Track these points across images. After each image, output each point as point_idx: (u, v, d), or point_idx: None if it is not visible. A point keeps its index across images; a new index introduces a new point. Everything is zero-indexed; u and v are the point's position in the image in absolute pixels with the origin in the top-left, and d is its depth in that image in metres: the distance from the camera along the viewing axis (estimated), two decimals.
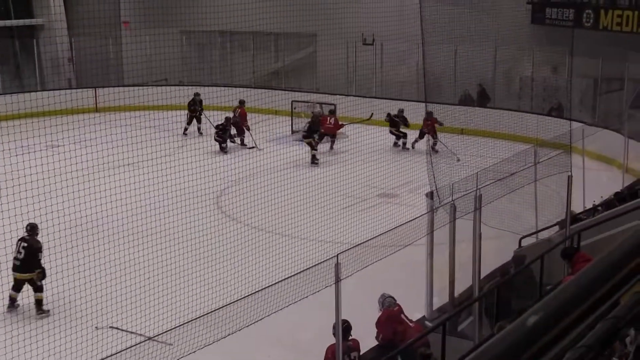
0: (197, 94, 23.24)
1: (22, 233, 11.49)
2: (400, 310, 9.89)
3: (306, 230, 14.04)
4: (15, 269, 11.33)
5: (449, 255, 11.09)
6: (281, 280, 8.22)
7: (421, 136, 20.88)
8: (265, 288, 8.29)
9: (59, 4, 28.00)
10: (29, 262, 11.23)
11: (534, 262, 10.53)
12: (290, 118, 23.74)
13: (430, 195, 11.17)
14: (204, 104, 23.41)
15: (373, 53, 25.91)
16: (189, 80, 28.47)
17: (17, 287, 11.40)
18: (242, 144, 21.69)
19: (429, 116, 19.70)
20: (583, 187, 14.64)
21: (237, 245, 13.38)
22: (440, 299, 11.37)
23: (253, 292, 8.58)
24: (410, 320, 9.97)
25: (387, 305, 9.88)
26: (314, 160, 19.63)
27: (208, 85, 25.94)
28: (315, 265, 8.09)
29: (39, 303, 11.35)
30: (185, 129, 23.02)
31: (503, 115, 21.20)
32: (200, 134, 22.90)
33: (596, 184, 15.56)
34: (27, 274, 11.28)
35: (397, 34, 22.21)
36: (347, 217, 15.02)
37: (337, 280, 7.67)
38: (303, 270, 8.18)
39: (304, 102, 23.85)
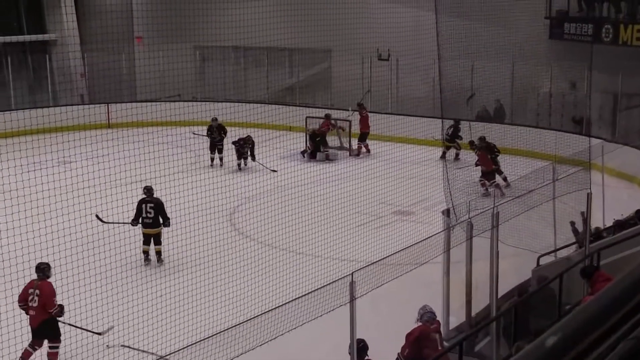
0: (214, 119, 21.46)
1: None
2: (438, 329, 9.72)
3: (320, 247, 14.02)
4: (145, 226, 13.74)
5: (465, 274, 11.03)
6: (295, 299, 8.20)
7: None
8: (278, 307, 8.27)
9: (72, 19, 28.20)
10: (157, 219, 13.73)
11: (553, 281, 10.45)
12: (304, 134, 23.77)
13: (446, 212, 11.12)
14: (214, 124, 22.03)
15: (389, 68, 25.94)
16: (202, 96, 28.58)
17: (147, 240, 13.79)
18: (327, 157, 22.47)
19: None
20: (603, 205, 14.55)
21: (250, 263, 13.37)
22: (457, 318, 11.30)
23: (266, 310, 8.56)
24: (442, 342, 9.80)
25: (425, 319, 9.57)
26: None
27: (221, 101, 26.03)
28: (329, 283, 8.07)
29: (159, 253, 13.80)
30: (212, 160, 21.51)
31: (521, 131, 21.15)
32: (222, 165, 21.62)
33: (616, 202, 15.47)
34: (155, 229, 13.74)
35: (412, 49, 22.25)
36: (361, 235, 14.98)
37: (352, 299, 7.64)
38: (317, 289, 8.16)
39: (319, 117, 23.85)
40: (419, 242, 9.82)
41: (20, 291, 10.53)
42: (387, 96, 26.19)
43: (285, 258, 13.78)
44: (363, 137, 23.37)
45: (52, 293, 10.34)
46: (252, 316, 8.72)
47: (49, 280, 10.51)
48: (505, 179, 18.21)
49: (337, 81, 26.86)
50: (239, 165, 21.31)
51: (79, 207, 12.19)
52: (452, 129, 21.52)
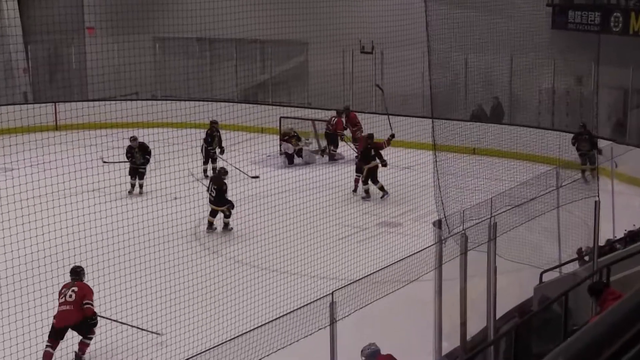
0: (133, 139, 20.15)
1: None
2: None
3: (296, 264, 14.00)
4: (210, 202, 16.77)
5: (460, 292, 11.05)
6: (267, 323, 8.18)
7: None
8: (248, 332, 8.25)
9: (13, 7, 28.00)
10: (219, 199, 16.57)
11: (558, 300, 10.50)
12: (278, 136, 23.76)
13: (437, 223, 11.14)
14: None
15: (372, 62, 25.99)
16: (163, 94, 28.51)
17: (213, 214, 16.81)
18: (332, 158, 22.89)
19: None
20: (612, 215, 14.64)
21: (217, 282, 13.32)
22: (450, 342, 11.32)
23: (235, 336, 8.53)
24: None
25: (365, 354, 9.46)
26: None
27: (184, 100, 26.00)
28: (307, 304, 8.06)
29: (226, 225, 16.79)
30: (132, 186, 19.96)
31: (520, 132, 21.24)
32: (141, 192, 20.08)
33: (628, 211, 15.58)
34: (219, 207, 16.70)
35: (399, 41, 22.29)
36: (343, 249, 14.98)
37: (333, 322, 7.64)
38: (293, 311, 8.15)
39: (294, 118, 23.87)
40: (407, 257, 9.84)
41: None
42: (370, 93, 26.24)
43: (257, 276, 13.75)
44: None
45: (91, 291, 11.75)
46: (219, 342, 8.68)
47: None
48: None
49: (315, 77, 26.88)
50: (204, 171, 21.22)
51: (22, 220, 12.08)
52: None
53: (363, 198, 19.03)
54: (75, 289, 11.62)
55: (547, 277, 12.54)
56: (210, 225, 16.89)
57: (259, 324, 8.38)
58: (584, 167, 19.60)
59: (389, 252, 13.84)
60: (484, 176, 17.07)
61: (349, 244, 15.64)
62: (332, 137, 23.28)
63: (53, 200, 14.19)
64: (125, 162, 19.79)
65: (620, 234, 14.28)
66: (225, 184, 16.89)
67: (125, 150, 20.14)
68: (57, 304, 11.62)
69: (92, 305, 11.60)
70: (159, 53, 29.58)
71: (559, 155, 17.68)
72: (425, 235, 14.01)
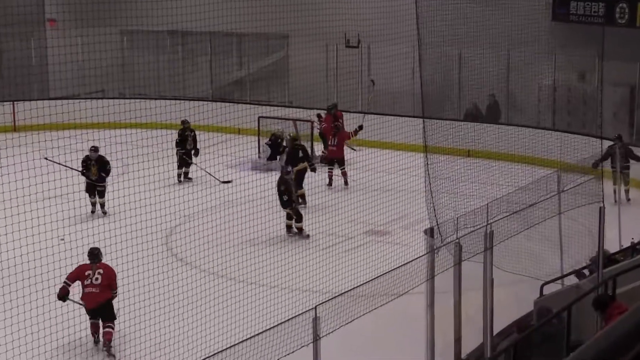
0: (93, 149, 19.85)
1: None
2: None
3: (276, 276, 13.98)
4: (284, 206, 17.52)
5: (453, 307, 11.06)
6: (245, 340, 8.16)
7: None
8: (224, 350, 8.22)
9: None
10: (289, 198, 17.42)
11: (560, 314, 10.52)
12: (257, 138, 23.74)
13: (429, 232, 11.15)
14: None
15: (358, 57, 26.00)
16: (132, 92, 28.43)
17: (289, 217, 17.63)
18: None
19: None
20: (618, 222, 14.71)
21: (190, 296, 13.28)
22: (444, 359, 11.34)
23: (210, 354, 8.51)
24: None
25: None
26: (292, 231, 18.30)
27: (155, 98, 25.93)
28: (288, 319, 8.05)
29: (300, 230, 17.34)
30: (93, 204, 19.49)
31: (519, 133, 21.28)
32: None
33: (634, 218, 15.65)
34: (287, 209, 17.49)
35: (387, 34, 22.33)
36: (327, 260, 14.97)
37: (316, 339, 7.63)
38: (273, 327, 8.13)
39: (273, 118, 23.85)
40: (396, 268, 9.84)
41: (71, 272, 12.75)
42: (356, 91, 26.25)
43: (234, 289, 13.70)
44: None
45: (115, 274, 12.88)
46: None
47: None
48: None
49: (296, 74, 26.88)
50: (179, 176, 21.18)
51: None
52: None
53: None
54: (101, 271, 12.81)
55: (548, 290, 12.57)
56: (289, 229, 17.45)
57: (235, 342, 8.36)
58: (616, 185, 19.39)
59: (377, 263, 13.83)
60: (480, 180, 17.08)
61: (333, 254, 15.63)
62: (324, 138, 23.29)
63: (11, 207, 14.12)
64: (72, 168, 18.13)
65: (626, 243, 14.33)
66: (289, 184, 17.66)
67: (82, 160, 19.50)
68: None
69: (116, 292, 12.90)
70: (127, 47, 29.52)
71: (560, 157, 17.70)
72: (416, 244, 13.99)
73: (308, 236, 17.10)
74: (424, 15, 13.12)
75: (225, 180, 19.89)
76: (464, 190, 17.77)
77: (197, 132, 21.86)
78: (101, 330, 12.78)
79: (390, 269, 9.84)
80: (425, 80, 14.09)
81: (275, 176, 20.22)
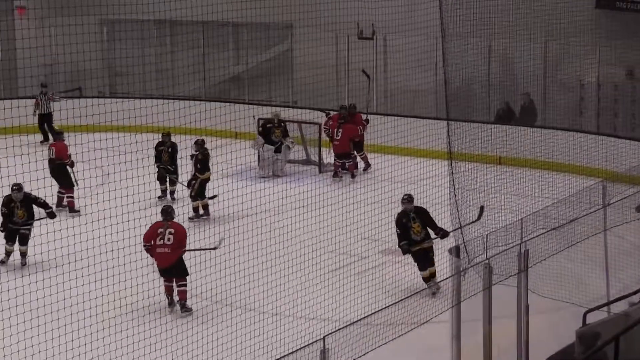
0: (166, 135, 21.47)
1: None
2: None
3: (280, 302, 13.98)
4: None
5: (483, 337, 11.05)
6: None
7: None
8: None
9: None
10: None
11: (606, 345, 10.50)
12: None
13: (455, 251, 11.15)
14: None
15: (373, 51, 26.02)
16: (113, 90, 28.50)
17: None
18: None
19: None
20: None
21: (181, 324, 13.29)
22: None
23: None
24: None
25: None
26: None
27: (139, 97, 25.91)
28: (292, 352, 8.05)
29: None
30: (163, 192, 21.15)
31: (557, 137, 21.29)
32: (173, 199, 21.31)
33: None
34: None
35: (406, 24, 22.35)
36: (337, 284, 14.97)
37: None
38: None
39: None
40: (416, 292, 9.85)
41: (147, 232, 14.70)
42: (371, 90, 26.23)
43: (231, 316, 13.73)
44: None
45: (186, 231, 15.11)
46: None
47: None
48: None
49: (301, 69, 26.88)
50: (163, 192, 21.14)
51: None
52: None
53: (190, 219, 19.29)
54: (172, 230, 14.77)
55: (592, 318, 12.54)
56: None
57: None
58: None
59: (394, 287, 13.84)
60: (513, 192, 17.10)
61: (344, 277, 15.62)
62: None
63: None
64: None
65: None
66: None
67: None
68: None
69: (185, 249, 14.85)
70: (107, 40, 29.58)
71: (606, 165, 17.73)
72: (439, 265, 14.03)
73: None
74: (448, 1, 13.13)
75: (210, 196, 19.91)
76: (495, 203, 17.79)
77: (187, 136, 21.83)
78: (175, 290, 14.71)
79: (409, 294, 9.84)
80: (449, 77, 14.11)
81: (277, 185, 20.26)
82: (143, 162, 19.44)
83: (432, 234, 15.33)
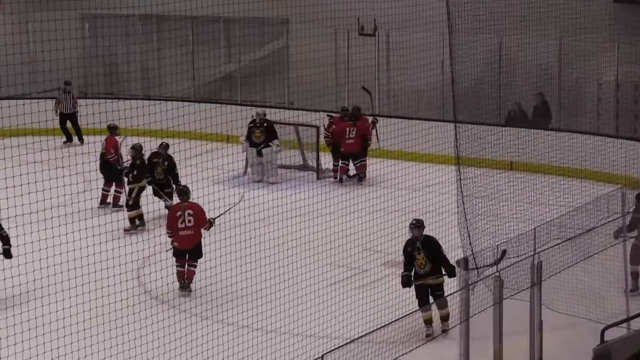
0: (164, 147, 20.75)
1: None
2: None
3: (275, 318, 13.96)
4: None
5: (494, 356, 11.06)
6: None
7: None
8: None
9: None
10: None
11: None
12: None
13: (463, 263, 11.16)
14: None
15: (375, 48, 26.03)
16: (95, 90, 28.47)
17: None
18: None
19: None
20: None
21: (168, 343, 13.28)
22: None
23: None
24: None
25: None
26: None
27: (124, 98, 25.91)
28: None
29: None
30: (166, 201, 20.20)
31: (573, 141, 21.28)
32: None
33: None
34: None
35: (410, 19, 22.36)
36: (337, 299, 14.96)
37: None
38: None
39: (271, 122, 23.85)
40: (424, 307, 9.84)
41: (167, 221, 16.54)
42: (373, 89, 26.25)
43: (222, 334, 13.71)
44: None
45: (204, 210, 16.47)
46: None
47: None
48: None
49: (298, 68, 26.88)
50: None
51: None
52: None
53: (125, 230, 19.33)
54: (190, 212, 16.25)
55: (610, 335, 12.53)
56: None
57: None
58: None
59: (397, 302, 13.80)
60: (525, 199, 17.10)
61: (344, 291, 15.61)
62: (335, 145, 23.36)
63: None
64: None
65: None
66: None
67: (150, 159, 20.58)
68: None
69: (206, 226, 16.44)
70: (89, 36, 29.56)
71: (625, 171, 17.72)
72: (446, 278, 14.01)
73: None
74: None
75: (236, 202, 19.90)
76: (506, 211, 17.81)
77: (177, 140, 21.75)
78: (186, 269, 16.14)
79: (413, 310, 9.85)
80: (457, 76, 14.11)
81: (271, 193, 20.25)
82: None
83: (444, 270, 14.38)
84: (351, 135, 22.75)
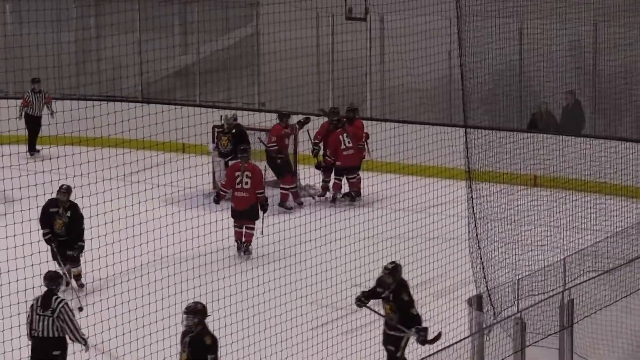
0: (64, 192, 18.53)
1: None
2: None
3: None
4: None
5: None
6: None
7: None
8: None
9: None
10: None
11: None
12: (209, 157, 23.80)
13: (476, 302, 11.25)
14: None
15: (366, 35, 26.12)
16: (19, 89, 28.47)
17: None
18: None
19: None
20: None
21: None
22: None
23: None
24: None
25: None
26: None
27: (55, 99, 25.97)
28: None
29: None
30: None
31: (609, 150, 21.38)
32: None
33: None
34: None
35: (410, 1, 22.46)
36: (320, 346, 15.02)
37: None
38: None
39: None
40: (426, 358, 9.91)
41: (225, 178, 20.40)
42: (363, 88, 26.34)
43: None
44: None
45: (262, 174, 20.29)
46: None
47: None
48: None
49: (271, 60, 27.00)
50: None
51: None
52: None
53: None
54: (249, 174, 19.79)
55: None
56: None
57: None
58: None
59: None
60: (552, 223, 17.16)
61: (329, 336, 15.67)
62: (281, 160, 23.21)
63: None
64: None
65: None
66: None
67: None
68: None
69: (264, 193, 19.98)
70: (12, 22, 29.61)
71: None
72: (456, 320, 14.08)
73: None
74: None
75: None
76: (528, 237, 17.92)
77: (129, 149, 21.80)
78: (243, 231, 19.81)
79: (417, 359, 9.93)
80: (467, 71, 14.20)
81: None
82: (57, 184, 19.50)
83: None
84: (349, 145, 22.75)
